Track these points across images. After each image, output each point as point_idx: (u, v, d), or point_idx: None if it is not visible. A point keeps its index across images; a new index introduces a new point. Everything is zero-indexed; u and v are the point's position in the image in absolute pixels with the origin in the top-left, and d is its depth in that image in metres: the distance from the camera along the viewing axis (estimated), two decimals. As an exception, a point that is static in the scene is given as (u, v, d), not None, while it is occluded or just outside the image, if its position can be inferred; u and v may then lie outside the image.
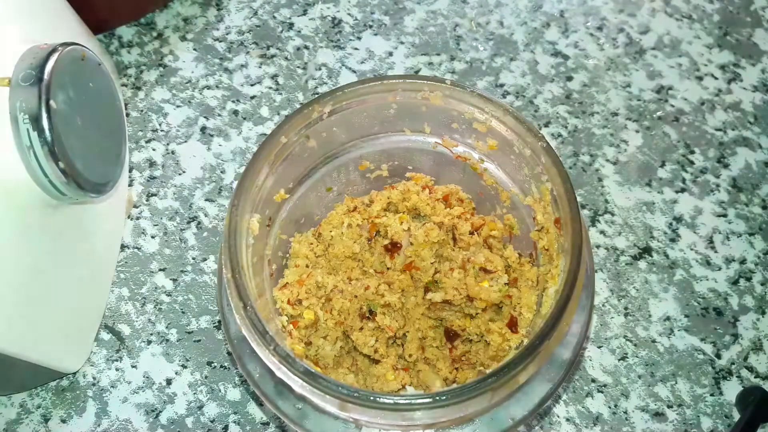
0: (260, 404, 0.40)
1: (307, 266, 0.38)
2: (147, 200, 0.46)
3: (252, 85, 0.50)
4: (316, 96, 0.35)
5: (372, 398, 0.29)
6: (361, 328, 0.36)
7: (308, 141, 0.36)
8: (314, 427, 0.32)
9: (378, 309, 0.36)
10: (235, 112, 0.49)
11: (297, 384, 0.30)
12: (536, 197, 0.36)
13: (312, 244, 0.39)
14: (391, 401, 0.29)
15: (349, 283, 0.37)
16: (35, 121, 0.31)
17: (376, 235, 0.38)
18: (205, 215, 0.46)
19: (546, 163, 0.34)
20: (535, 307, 0.36)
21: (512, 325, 0.36)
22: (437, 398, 0.29)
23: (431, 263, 0.37)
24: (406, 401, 0.29)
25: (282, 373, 0.30)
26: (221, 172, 0.47)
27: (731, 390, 0.41)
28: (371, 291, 0.36)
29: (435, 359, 0.37)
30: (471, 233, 0.38)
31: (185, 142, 0.48)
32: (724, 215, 0.46)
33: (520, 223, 0.38)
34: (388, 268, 0.38)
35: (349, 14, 0.53)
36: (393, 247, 0.37)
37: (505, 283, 0.36)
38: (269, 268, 0.37)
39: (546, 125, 0.49)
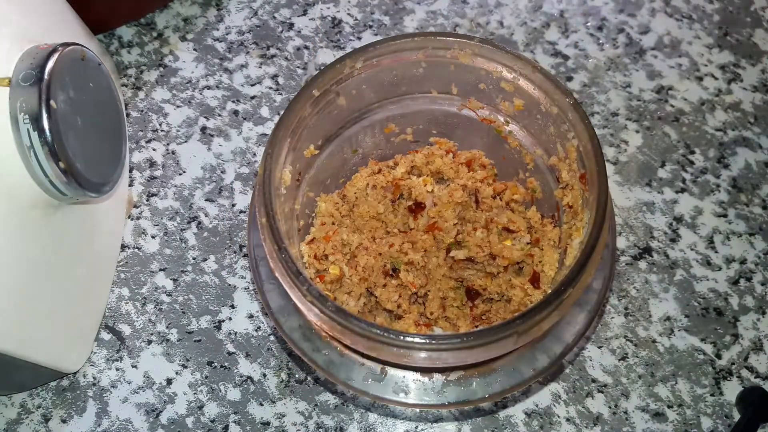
0: (260, 404, 0.40)
1: (333, 224, 0.39)
2: (147, 200, 0.46)
3: (252, 85, 0.50)
4: (348, 51, 0.36)
5: (402, 337, 0.29)
6: (385, 285, 0.37)
7: (338, 98, 0.37)
8: (341, 374, 0.32)
9: (401, 266, 0.37)
10: (236, 112, 0.49)
11: (328, 325, 0.30)
12: (561, 156, 0.36)
13: (337, 203, 0.39)
14: (422, 340, 0.29)
15: (373, 242, 0.37)
16: (35, 121, 0.31)
17: (399, 198, 0.39)
18: (206, 215, 0.46)
19: (573, 119, 0.34)
20: (557, 266, 0.36)
21: (535, 280, 0.36)
22: (465, 339, 0.29)
23: (454, 224, 0.37)
24: (435, 341, 0.29)
25: (314, 314, 0.30)
26: (221, 172, 0.47)
27: (731, 390, 0.41)
28: (395, 249, 0.37)
29: (455, 318, 0.38)
30: (493, 197, 0.39)
31: (185, 142, 0.48)
32: (725, 215, 0.46)
33: (542, 186, 0.39)
34: (411, 229, 0.38)
35: (349, 14, 0.53)
36: (417, 208, 0.38)
37: (527, 243, 0.37)
38: (297, 224, 0.37)
39: (546, 125, 0.49)
